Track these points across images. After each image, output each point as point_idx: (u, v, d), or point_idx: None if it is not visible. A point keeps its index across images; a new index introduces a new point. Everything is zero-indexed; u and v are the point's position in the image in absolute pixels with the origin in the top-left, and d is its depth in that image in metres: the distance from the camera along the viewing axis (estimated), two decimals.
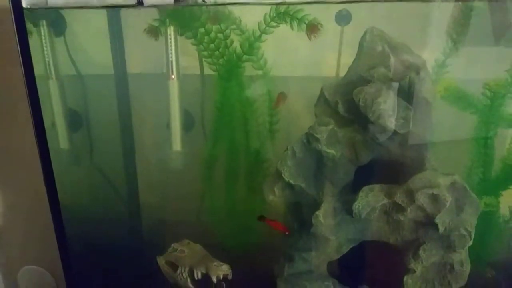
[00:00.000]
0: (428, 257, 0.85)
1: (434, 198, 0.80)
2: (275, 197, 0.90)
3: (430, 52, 0.90)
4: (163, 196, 1.16)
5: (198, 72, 1.05)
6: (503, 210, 1.00)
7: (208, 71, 1.02)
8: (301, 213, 0.92)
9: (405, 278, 0.88)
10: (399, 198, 0.82)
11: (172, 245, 1.00)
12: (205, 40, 0.96)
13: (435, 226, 0.82)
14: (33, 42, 0.87)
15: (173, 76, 1.02)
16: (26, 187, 1.23)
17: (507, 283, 1.01)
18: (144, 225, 1.20)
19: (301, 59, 1.07)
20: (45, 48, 1.03)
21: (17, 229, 1.31)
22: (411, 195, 0.81)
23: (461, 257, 0.86)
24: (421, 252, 0.85)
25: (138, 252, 1.11)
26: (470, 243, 0.84)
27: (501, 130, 0.93)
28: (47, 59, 1.03)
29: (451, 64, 0.92)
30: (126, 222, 1.20)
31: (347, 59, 0.90)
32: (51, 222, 0.96)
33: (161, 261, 0.99)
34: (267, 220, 0.90)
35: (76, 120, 1.12)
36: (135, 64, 1.12)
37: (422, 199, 0.81)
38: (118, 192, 1.17)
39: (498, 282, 1.02)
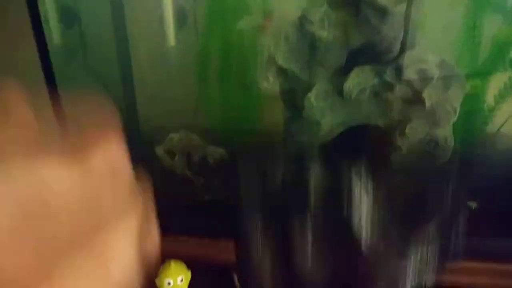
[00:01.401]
0: (414, 134, 0.89)
1: (422, 73, 0.83)
2: (268, 84, 0.92)
3: None
4: (158, 91, 1.17)
5: None
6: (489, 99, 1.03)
7: None
8: (294, 100, 0.95)
9: (391, 155, 0.93)
10: (389, 75, 0.85)
11: (170, 135, 1.04)
12: None
13: (422, 103, 0.85)
14: None
15: None
16: None
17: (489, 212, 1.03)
18: (141, 122, 1.22)
19: None
20: None
21: None
22: (400, 71, 0.84)
23: (445, 133, 0.90)
24: (407, 130, 0.89)
25: (135, 149, 1.14)
26: (455, 119, 0.88)
27: (490, 14, 0.94)
28: None
29: None
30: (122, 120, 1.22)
31: None
32: None
33: (159, 150, 1.03)
34: None
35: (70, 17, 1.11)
36: None
37: (410, 74, 0.83)
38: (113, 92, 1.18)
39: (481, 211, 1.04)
